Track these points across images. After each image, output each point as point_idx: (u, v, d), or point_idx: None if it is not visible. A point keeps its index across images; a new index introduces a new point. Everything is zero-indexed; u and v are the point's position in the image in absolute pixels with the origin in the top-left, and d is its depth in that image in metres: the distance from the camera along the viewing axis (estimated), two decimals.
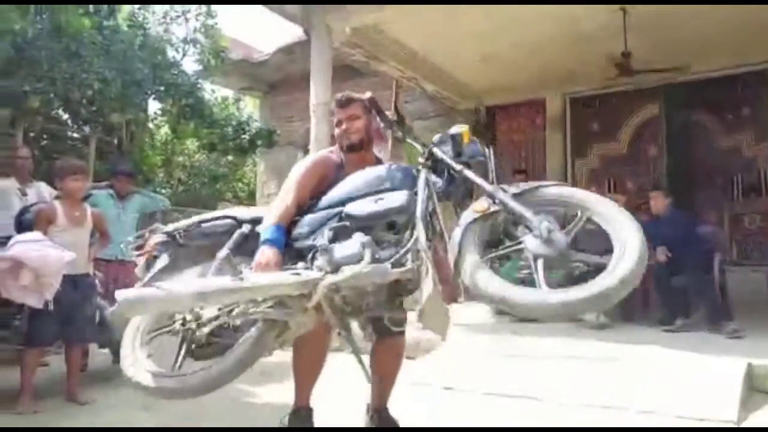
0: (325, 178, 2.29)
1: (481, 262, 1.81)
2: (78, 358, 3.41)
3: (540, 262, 1.75)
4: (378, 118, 2.26)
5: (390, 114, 2.28)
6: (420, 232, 1.90)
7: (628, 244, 1.69)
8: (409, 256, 1.91)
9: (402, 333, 2.40)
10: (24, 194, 4.23)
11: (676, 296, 5.04)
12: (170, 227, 2.33)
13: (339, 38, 5.87)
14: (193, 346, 2.09)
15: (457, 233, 1.87)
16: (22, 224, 3.36)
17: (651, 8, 5.30)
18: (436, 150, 2.08)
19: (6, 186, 3.96)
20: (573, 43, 6.09)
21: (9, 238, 3.43)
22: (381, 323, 2.30)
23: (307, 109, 5.94)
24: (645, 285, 5.59)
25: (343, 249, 1.94)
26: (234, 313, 1.99)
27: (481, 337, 4.74)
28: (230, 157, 10.50)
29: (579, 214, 1.86)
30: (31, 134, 7.42)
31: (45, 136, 7.95)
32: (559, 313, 1.70)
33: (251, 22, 17.90)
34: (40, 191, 4.34)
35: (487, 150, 2.10)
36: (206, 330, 2.04)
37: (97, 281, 3.74)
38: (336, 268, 1.89)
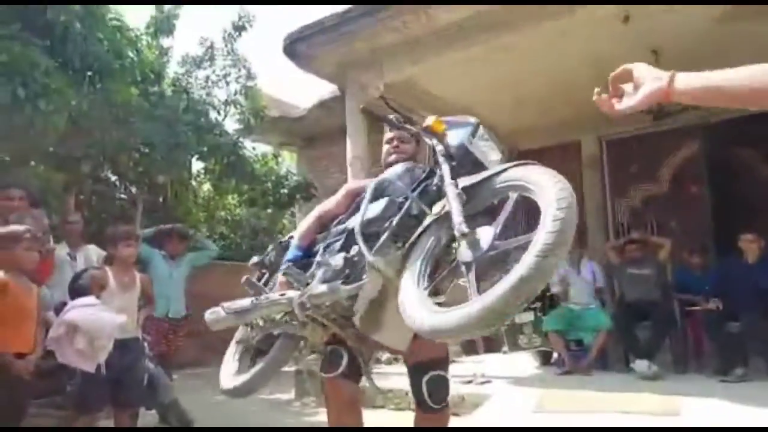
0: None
1: (420, 292, 1.66)
2: (127, 422, 3.46)
3: (471, 272, 1.56)
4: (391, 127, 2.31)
5: (394, 117, 2.25)
6: (360, 243, 1.86)
7: (547, 210, 1.47)
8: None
9: (444, 408, 2.28)
10: (73, 258, 4.40)
11: (732, 343, 4.82)
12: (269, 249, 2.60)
13: (373, 93, 6.03)
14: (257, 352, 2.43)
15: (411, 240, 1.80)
16: (77, 290, 3.48)
17: (683, 49, 5.29)
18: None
19: (58, 253, 4.13)
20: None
21: (63, 303, 3.57)
22: (421, 398, 2.25)
23: (344, 161, 6.08)
24: (697, 331, 5.40)
25: (314, 268, 2.07)
26: (261, 325, 2.30)
27: (528, 390, 4.61)
28: (270, 211, 10.72)
29: (510, 195, 1.69)
30: (81, 197, 7.76)
31: (94, 198, 8.30)
32: (502, 312, 1.40)
33: (288, 78, 18.49)
34: (89, 255, 4.50)
35: (470, 130, 1.96)
36: (254, 339, 2.38)
37: (145, 344, 3.82)
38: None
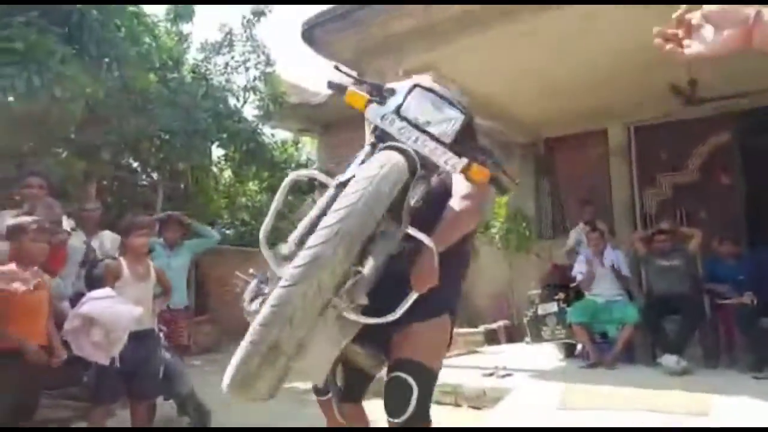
0: None
1: None
2: (143, 414, 3.43)
3: None
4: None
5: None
6: (263, 248, 1.56)
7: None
8: None
9: (408, 424, 1.73)
10: (89, 247, 4.36)
11: (766, 339, 4.63)
12: None
13: (391, 80, 5.88)
14: None
15: None
16: (91, 281, 3.45)
17: None
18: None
19: (72, 243, 4.08)
20: (635, 73, 5.86)
21: (80, 293, 3.54)
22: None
23: (363, 148, 5.97)
24: (728, 325, 5.21)
25: None
26: None
27: (552, 385, 4.48)
28: (290, 198, 10.68)
29: None
30: (104, 183, 7.80)
31: (116, 184, 8.34)
32: (248, 371, 1.27)
33: (306, 64, 18.42)
34: (103, 242, 4.45)
35: (396, 102, 1.60)
36: None
37: (161, 334, 3.79)
38: None
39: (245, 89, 8.33)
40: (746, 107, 6.32)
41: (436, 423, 2.36)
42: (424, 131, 1.55)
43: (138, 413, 3.40)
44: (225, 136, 7.97)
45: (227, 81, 8.25)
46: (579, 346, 5.66)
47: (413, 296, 1.50)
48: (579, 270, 5.60)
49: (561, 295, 5.79)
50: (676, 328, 4.98)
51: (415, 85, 1.62)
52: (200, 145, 7.69)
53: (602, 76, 6.01)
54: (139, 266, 3.45)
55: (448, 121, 1.58)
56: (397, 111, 1.58)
